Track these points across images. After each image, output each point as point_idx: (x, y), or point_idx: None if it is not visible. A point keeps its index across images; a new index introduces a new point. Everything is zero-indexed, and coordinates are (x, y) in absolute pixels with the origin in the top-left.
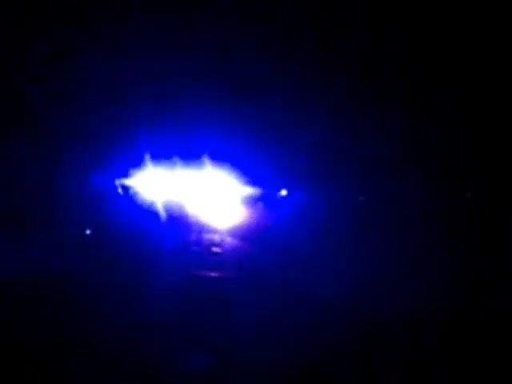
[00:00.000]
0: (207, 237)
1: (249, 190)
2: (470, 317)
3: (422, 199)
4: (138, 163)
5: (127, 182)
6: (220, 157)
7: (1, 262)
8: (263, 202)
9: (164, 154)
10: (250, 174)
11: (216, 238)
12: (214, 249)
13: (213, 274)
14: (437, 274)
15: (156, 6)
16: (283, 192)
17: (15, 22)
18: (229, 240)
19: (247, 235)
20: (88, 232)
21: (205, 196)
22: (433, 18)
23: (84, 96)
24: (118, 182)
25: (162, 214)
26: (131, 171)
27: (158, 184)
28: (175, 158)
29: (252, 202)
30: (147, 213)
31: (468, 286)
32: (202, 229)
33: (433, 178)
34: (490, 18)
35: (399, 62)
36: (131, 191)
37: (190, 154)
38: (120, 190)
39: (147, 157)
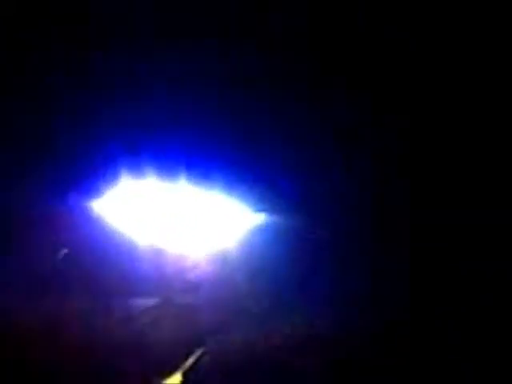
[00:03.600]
0: (182, 262)
1: (228, 213)
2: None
3: (422, 210)
4: (112, 181)
5: (100, 201)
6: (199, 176)
7: None
8: (243, 224)
9: (138, 172)
10: (229, 195)
11: (190, 263)
12: (189, 275)
13: (186, 300)
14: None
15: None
16: (263, 215)
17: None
18: (204, 266)
19: (226, 260)
20: (63, 253)
21: (181, 218)
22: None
23: (56, 108)
24: (90, 202)
25: (136, 235)
26: (104, 190)
27: (132, 205)
28: (151, 177)
29: (230, 225)
30: (121, 234)
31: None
32: (177, 254)
33: (433, 188)
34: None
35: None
36: (104, 212)
37: (166, 173)
38: (93, 211)
39: (121, 175)
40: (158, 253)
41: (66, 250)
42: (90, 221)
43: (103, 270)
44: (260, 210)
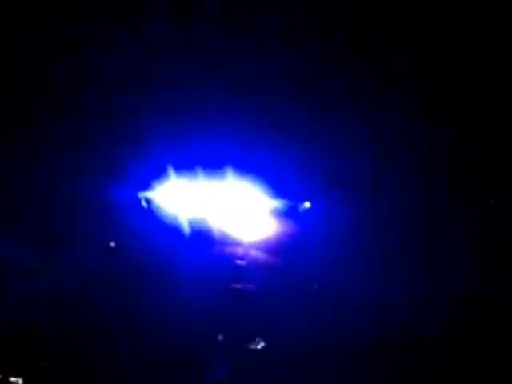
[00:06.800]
0: (231, 249)
1: (273, 202)
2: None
3: (447, 209)
4: (160, 175)
5: (150, 194)
6: (244, 168)
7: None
8: (287, 214)
9: (187, 166)
10: (274, 186)
11: (239, 250)
12: (238, 261)
13: (236, 287)
14: (460, 281)
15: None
16: (307, 204)
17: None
18: (253, 253)
19: (271, 248)
20: (112, 244)
21: (228, 208)
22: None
23: (105, 106)
24: (140, 194)
25: (185, 226)
26: (153, 183)
27: (180, 196)
28: (198, 170)
29: (276, 214)
30: (170, 225)
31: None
32: (225, 241)
33: (456, 187)
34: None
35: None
36: (154, 204)
37: (213, 165)
38: (143, 203)
39: (170, 168)
40: (209, 242)
41: (116, 242)
42: (143, 213)
43: (155, 259)
44: (305, 201)
